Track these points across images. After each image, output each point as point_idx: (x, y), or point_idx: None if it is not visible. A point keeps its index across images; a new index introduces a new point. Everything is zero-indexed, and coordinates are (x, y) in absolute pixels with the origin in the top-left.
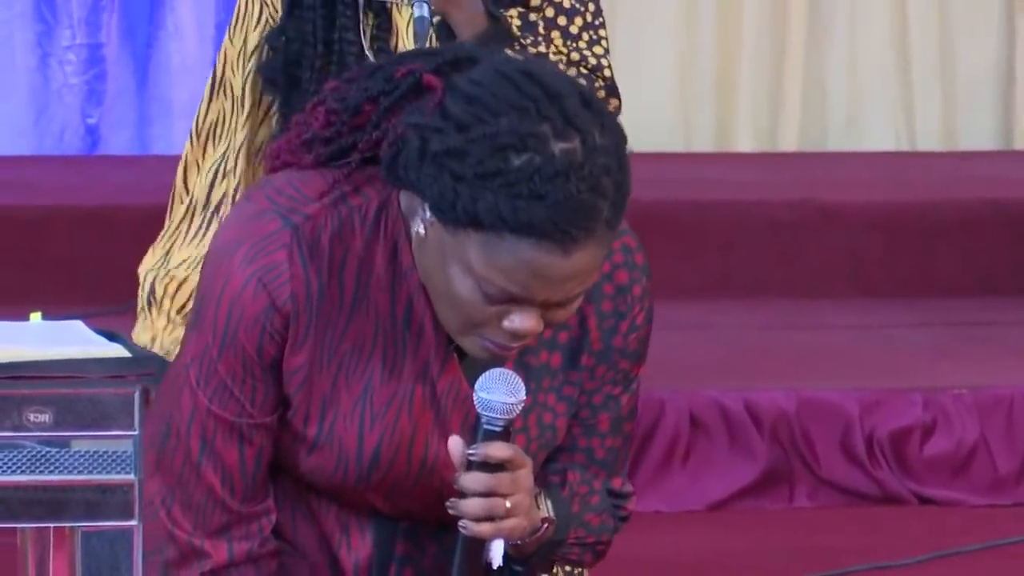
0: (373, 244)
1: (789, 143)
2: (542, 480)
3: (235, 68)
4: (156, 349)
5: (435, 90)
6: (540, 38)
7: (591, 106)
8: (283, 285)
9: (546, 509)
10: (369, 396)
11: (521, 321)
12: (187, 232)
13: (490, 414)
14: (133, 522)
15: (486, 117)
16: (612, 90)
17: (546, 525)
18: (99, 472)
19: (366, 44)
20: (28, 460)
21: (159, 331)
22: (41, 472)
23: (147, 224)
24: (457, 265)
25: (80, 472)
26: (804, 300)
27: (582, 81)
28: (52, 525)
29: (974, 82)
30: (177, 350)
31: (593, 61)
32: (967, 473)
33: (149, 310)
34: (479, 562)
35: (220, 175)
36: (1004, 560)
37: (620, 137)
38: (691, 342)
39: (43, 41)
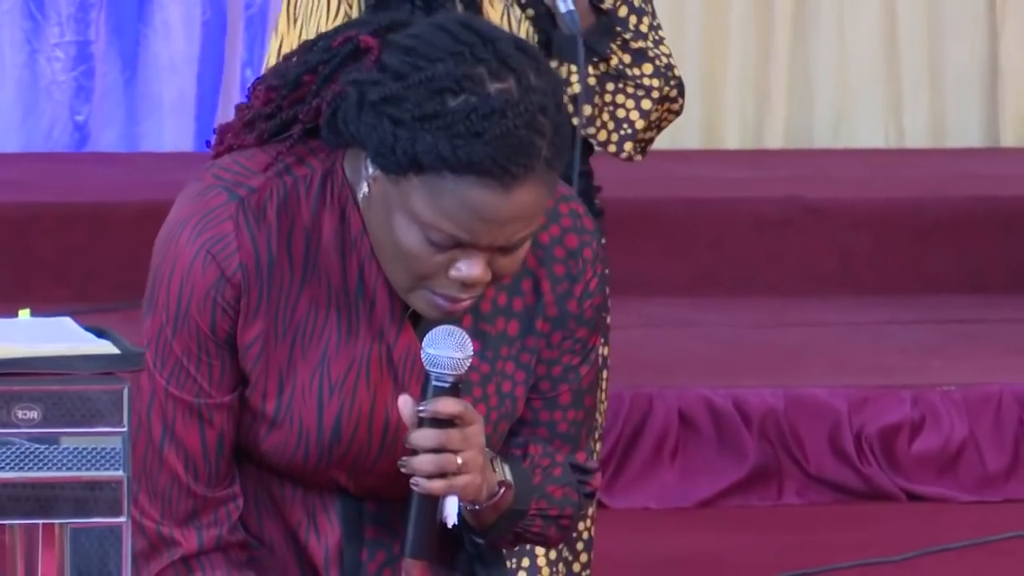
0: (320, 213)
1: (776, 140)
2: (504, 454)
3: None
4: None
5: (372, 49)
6: (634, 34)
7: (526, 51)
8: (231, 255)
9: (502, 473)
10: (326, 366)
11: (468, 268)
12: None
13: (438, 370)
14: (122, 519)
15: (422, 64)
16: (682, 90)
17: (503, 489)
18: (88, 469)
19: None
20: (17, 457)
21: None
22: (30, 469)
23: (136, 221)
24: (401, 214)
25: (69, 469)
26: (793, 297)
27: (658, 80)
28: (41, 522)
29: (962, 79)
30: None
31: (665, 60)
32: (956, 470)
33: None
34: (433, 520)
35: None
36: (992, 556)
37: (556, 81)
38: (679, 339)
39: (32, 38)
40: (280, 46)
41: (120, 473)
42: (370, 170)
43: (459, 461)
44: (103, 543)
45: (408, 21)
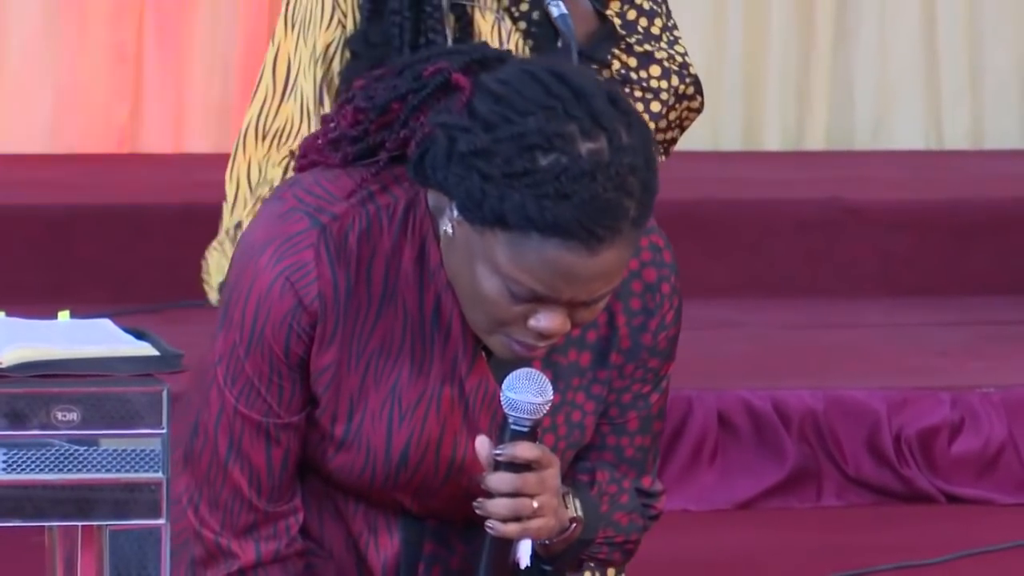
0: (401, 243)
1: (817, 142)
2: (571, 479)
3: (306, 72)
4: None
5: (463, 89)
6: (642, 36)
7: (618, 105)
8: (310, 284)
9: (574, 508)
10: (397, 395)
11: (547, 320)
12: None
13: (517, 414)
14: (161, 521)
15: (513, 117)
16: (699, 87)
17: (574, 525)
18: (127, 471)
19: None
20: (56, 459)
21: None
22: (69, 471)
23: (176, 223)
24: (484, 264)
25: (108, 471)
26: (833, 299)
27: (675, 79)
28: (80, 524)
29: (1001, 82)
30: None
31: (679, 59)
32: (995, 472)
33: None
34: (506, 562)
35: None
36: None
37: (647, 136)
38: (719, 341)
39: (72, 36)
40: (276, 53)
41: (159, 475)
42: (455, 213)
43: (535, 505)
44: (142, 545)
45: (501, 56)
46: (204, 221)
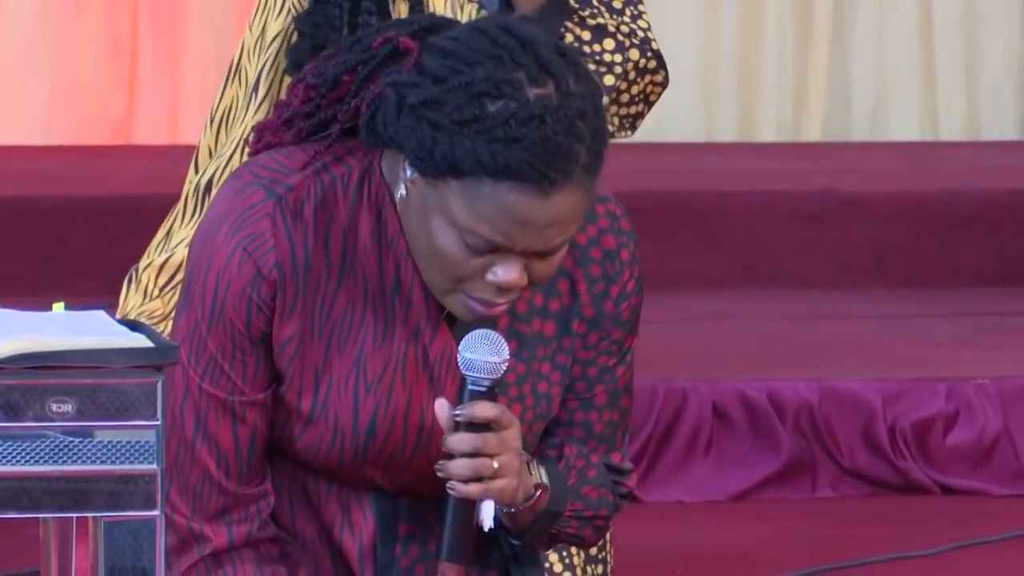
0: (357, 212)
1: (812, 133)
2: (539, 454)
3: (251, 56)
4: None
5: (412, 51)
6: (596, 9)
7: (566, 55)
8: (268, 253)
9: (538, 475)
10: (362, 365)
11: (504, 272)
12: (184, 213)
13: (475, 374)
14: (155, 512)
15: (462, 67)
16: (661, 62)
17: (539, 492)
18: (121, 462)
19: None
20: (51, 450)
21: (132, 307)
22: (64, 462)
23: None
24: (439, 217)
25: (102, 462)
26: (827, 290)
27: (635, 52)
28: (74, 515)
29: (997, 74)
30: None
31: (641, 34)
32: (990, 463)
33: (128, 287)
34: (470, 524)
35: (236, 161)
36: None
37: (595, 87)
38: (714, 332)
39: (67, 29)
40: (243, 41)
41: (154, 467)
42: (408, 172)
43: (495, 465)
44: (137, 537)
45: (448, 22)
46: None
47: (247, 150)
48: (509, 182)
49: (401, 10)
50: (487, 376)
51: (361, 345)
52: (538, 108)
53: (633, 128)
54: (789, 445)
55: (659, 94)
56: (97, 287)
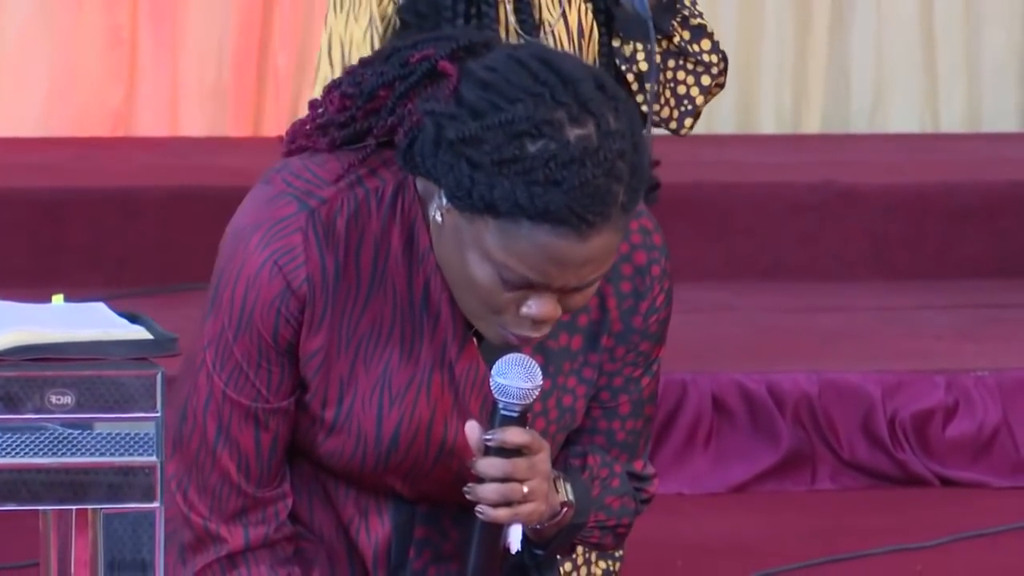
0: (390, 227)
1: (812, 125)
2: (562, 463)
3: (360, 48)
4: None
5: (450, 76)
6: (691, 9)
7: (605, 90)
8: (298, 268)
9: (565, 493)
10: (387, 379)
11: (538, 307)
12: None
13: (507, 399)
14: (155, 504)
15: (501, 103)
16: (727, 62)
17: (565, 509)
18: (121, 454)
19: None
20: (50, 442)
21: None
22: (63, 454)
23: (169, 206)
24: (474, 251)
25: (102, 454)
26: (827, 282)
27: (716, 56)
28: (74, 508)
29: (998, 65)
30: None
31: (716, 35)
32: (989, 455)
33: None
34: (497, 547)
35: None
36: None
37: (635, 120)
38: (713, 324)
39: (64, 19)
40: (330, 38)
41: (153, 459)
42: (444, 201)
43: (525, 490)
44: (136, 529)
45: (487, 42)
46: (198, 204)
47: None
48: (548, 225)
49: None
50: (519, 402)
51: (388, 359)
52: (578, 151)
53: (693, 127)
54: (789, 437)
55: (716, 94)
56: (96, 279)
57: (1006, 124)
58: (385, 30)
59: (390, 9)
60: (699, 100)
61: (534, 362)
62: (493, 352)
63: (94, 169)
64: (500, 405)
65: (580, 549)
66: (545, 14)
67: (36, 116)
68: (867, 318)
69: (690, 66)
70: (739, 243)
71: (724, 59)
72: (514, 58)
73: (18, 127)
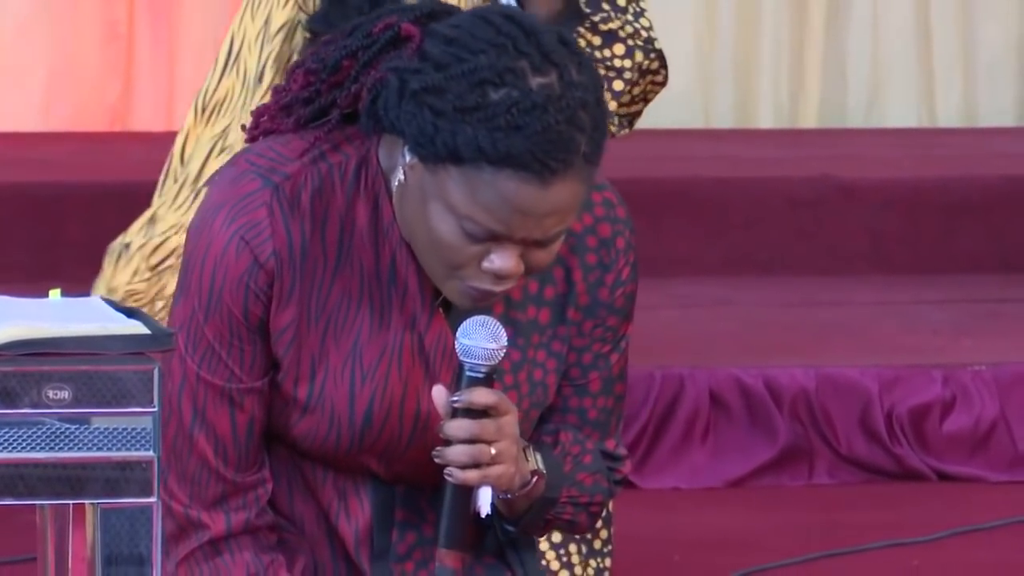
0: (354, 200)
1: (809, 120)
2: (535, 441)
3: (252, 47)
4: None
5: (413, 38)
6: (606, 13)
7: (568, 45)
8: (265, 242)
9: (535, 462)
10: (358, 353)
11: (501, 260)
12: (174, 200)
13: (472, 360)
14: (152, 499)
15: (464, 55)
16: (663, 62)
17: (536, 478)
18: (118, 449)
19: None
20: (47, 437)
21: (120, 283)
22: (60, 449)
23: None
24: (437, 204)
25: (99, 449)
26: (824, 277)
27: (639, 54)
28: (71, 502)
29: (995, 60)
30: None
31: (644, 34)
32: (986, 450)
33: (117, 261)
34: (467, 510)
35: (217, 150)
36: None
37: (596, 77)
38: (710, 319)
39: (63, 15)
40: (243, 31)
41: (151, 453)
42: (407, 158)
43: (493, 452)
44: (134, 524)
45: (450, 10)
46: None
47: (243, 137)
48: (510, 170)
49: None
50: (485, 363)
51: (357, 333)
52: (540, 97)
53: (631, 126)
54: (786, 432)
55: (657, 92)
56: (94, 274)
57: (1002, 119)
58: (285, 39)
59: (290, 19)
60: (612, 106)
61: (498, 323)
62: (461, 322)
63: (91, 164)
64: (466, 367)
65: (574, 548)
66: None
67: (33, 111)
68: (864, 313)
69: (600, 72)
70: (736, 238)
71: (657, 57)
72: (478, 15)
73: (15, 122)
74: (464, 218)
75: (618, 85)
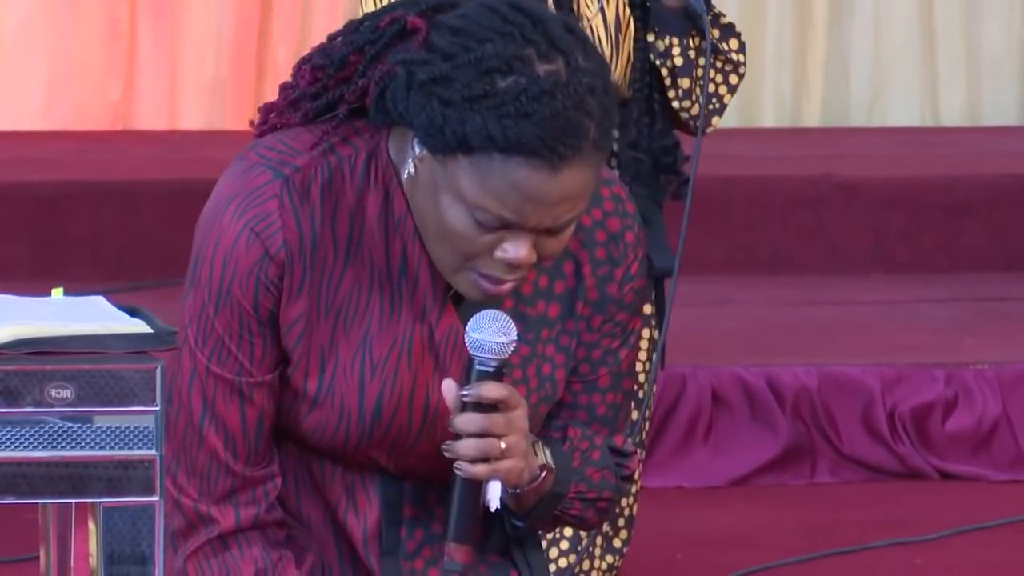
0: (364, 193)
1: (812, 119)
2: (544, 436)
3: None
4: None
5: (420, 30)
6: (717, 9)
7: (575, 32)
8: (275, 234)
9: (544, 456)
10: (368, 346)
11: (514, 249)
12: None
13: (482, 354)
14: (154, 498)
15: (471, 44)
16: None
17: (544, 473)
18: (120, 448)
19: None
20: (50, 436)
21: None
22: (63, 448)
23: (169, 200)
24: (449, 194)
25: (102, 448)
26: (827, 276)
27: (743, 56)
28: (74, 501)
29: (998, 58)
30: None
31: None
32: (989, 448)
33: None
34: (477, 505)
35: None
36: None
37: (603, 63)
38: (713, 318)
39: (65, 14)
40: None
41: (152, 452)
42: (417, 150)
43: (502, 446)
44: (136, 522)
45: (455, 2)
46: (197, 198)
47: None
48: (520, 157)
49: None
50: (495, 356)
51: (367, 326)
52: (548, 84)
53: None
54: (788, 430)
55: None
56: (96, 273)
57: (1005, 117)
58: None
59: None
60: (727, 99)
61: (508, 317)
62: (471, 315)
63: (93, 163)
64: (476, 360)
65: (599, 540)
66: (583, 8)
67: (35, 110)
68: (867, 311)
69: (719, 64)
70: (739, 236)
71: (743, 51)
72: (484, 5)
73: (17, 121)
74: (476, 208)
75: (733, 79)
